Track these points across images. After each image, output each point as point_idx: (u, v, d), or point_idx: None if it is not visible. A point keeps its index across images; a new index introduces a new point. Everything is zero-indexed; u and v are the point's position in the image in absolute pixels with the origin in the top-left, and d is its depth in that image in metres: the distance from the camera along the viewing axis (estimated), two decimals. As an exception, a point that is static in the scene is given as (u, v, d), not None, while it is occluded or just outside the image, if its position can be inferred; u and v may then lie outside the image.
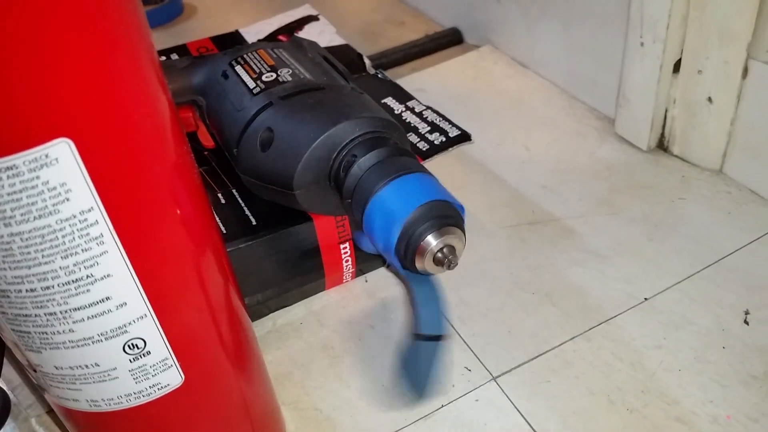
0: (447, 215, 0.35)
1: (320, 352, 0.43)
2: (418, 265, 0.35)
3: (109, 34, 0.21)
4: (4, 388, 0.40)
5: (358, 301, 0.46)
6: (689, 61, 0.50)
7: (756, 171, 0.50)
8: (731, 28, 0.46)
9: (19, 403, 0.41)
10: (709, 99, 0.50)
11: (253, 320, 0.45)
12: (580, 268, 0.47)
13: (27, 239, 0.21)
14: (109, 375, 0.25)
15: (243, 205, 0.44)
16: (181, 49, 0.63)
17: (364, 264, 0.47)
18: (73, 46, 0.20)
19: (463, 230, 0.36)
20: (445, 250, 0.35)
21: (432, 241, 0.34)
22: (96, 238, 0.22)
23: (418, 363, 0.36)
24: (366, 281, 0.47)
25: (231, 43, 0.65)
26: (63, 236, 0.22)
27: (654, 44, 0.50)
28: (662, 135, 0.55)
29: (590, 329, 0.42)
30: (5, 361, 0.35)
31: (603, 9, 0.56)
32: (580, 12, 0.58)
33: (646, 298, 0.44)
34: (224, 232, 0.42)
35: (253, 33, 0.71)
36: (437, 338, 0.35)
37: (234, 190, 0.45)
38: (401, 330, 0.43)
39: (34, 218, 0.21)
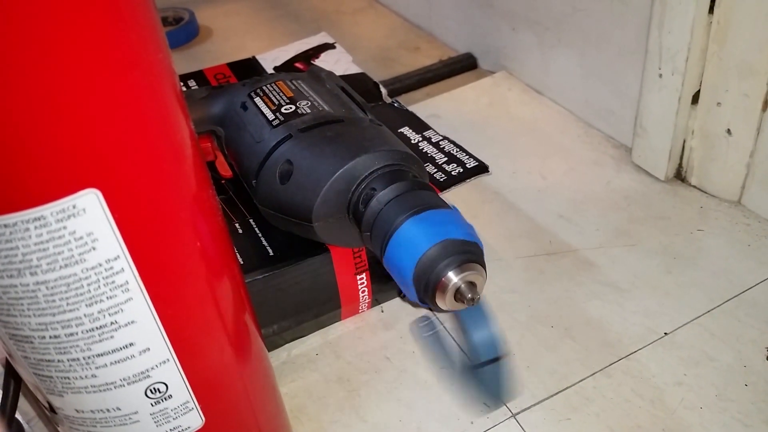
0: (467, 251, 0.35)
1: (336, 385, 0.43)
2: (439, 301, 0.35)
3: (141, 84, 0.21)
4: (20, 419, 0.40)
5: (375, 332, 0.46)
6: (708, 94, 0.50)
7: (776, 203, 0.50)
8: (751, 62, 0.46)
9: (34, 434, 0.41)
10: (728, 131, 0.50)
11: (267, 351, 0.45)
12: (598, 301, 0.46)
13: (52, 287, 0.21)
14: (130, 419, 0.25)
15: (260, 235, 0.44)
16: (199, 76, 0.64)
17: (380, 294, 0.47)
18: (104, 99, 0.20)
19: (483, 266, 0.35)
20: (464, 286, 0.34)
21: (453, 277, 0.34)
22: (121, 286, 0.22)
23: (487, 387, 0.37)
24: (382, 311, 0.47)
25: (248, 69, 0.66)
26: (88, 284, 0.22)
27: (673, 76, 0.50)
28: (680, 165, 0.55)
29: (610, 365, 0.42)
30: (23, 392, 0.35)
31: (620, 39, 0.56)
32: (596, 41, 0.58)
33: (666, 333, 0.43)
34: (241, 263, 0.42)
35: (269, 60, 0.71)
36: (496, 360, 0.35)
37: (251, 220, 0.45)
38: (418, 362, 0.43)
39: (60, 267, 0.21)
